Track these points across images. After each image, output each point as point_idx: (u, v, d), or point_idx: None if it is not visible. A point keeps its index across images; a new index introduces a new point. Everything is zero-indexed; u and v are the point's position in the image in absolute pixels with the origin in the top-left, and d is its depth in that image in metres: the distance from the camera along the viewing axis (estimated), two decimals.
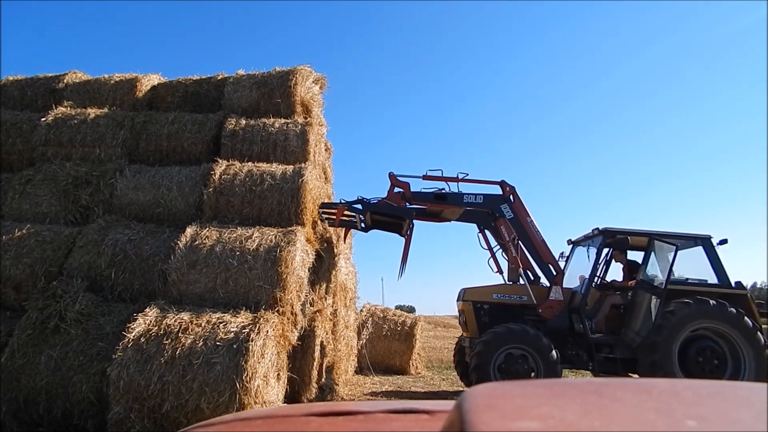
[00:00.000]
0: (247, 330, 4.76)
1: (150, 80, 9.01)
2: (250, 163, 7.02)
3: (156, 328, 4.85)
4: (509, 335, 6.93)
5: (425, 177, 7.98)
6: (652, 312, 7.33)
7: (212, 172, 6.75)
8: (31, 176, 7.25)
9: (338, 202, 7.81)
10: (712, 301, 7.06)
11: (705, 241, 7.76)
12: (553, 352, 6.89)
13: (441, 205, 7.94)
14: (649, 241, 7.78)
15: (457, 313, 8.63)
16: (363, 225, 8.14)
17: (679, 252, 7.48)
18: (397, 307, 18.05)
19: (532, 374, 6.81)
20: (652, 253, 7.82)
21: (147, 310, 5.09)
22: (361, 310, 11.87)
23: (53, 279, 5.84)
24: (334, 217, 7.68)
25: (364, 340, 11.30)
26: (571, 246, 9.05)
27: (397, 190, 7.86)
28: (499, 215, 7.85)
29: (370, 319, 11.76)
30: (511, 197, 7.90)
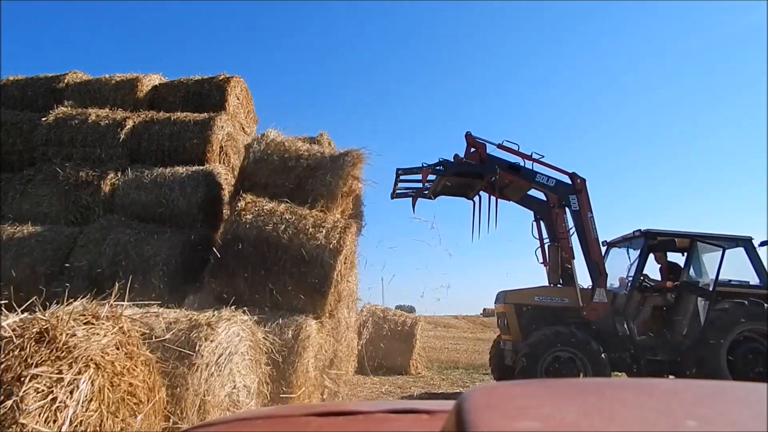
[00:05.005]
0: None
1: (151, 80, 9.02)
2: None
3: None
4: (557, 338, 6.80)
5: (500, 146, 7.76)
6: (700, 314, 7.21)
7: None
8: (31, 176, 7.26)
9: (420, 166, 7.59)
10: (766, 305, 6.93)
11: (746, 243, 7.66)
12: (603, 355, 6.75)
13: (512, 176, 7.69)
14: (691, 242, 7.68)
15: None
16: (431, 193, 8.02)
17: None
18: (397, 307, 18.01)
19: (581, 377, 6.67)
20: (694, 255, 7.72)
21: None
22: (362, 311, 11.85)
23: (53, 279, 5.84)
24: (412, 185, 7.77)
25: (365, 341, 11.29)
26: (606, 247, 8.76)
27: (472, 150, 7.73)
28: (565, 205, 7.70)
29: (371, 319, 11.74)
30: (581, 190, 7.74)
